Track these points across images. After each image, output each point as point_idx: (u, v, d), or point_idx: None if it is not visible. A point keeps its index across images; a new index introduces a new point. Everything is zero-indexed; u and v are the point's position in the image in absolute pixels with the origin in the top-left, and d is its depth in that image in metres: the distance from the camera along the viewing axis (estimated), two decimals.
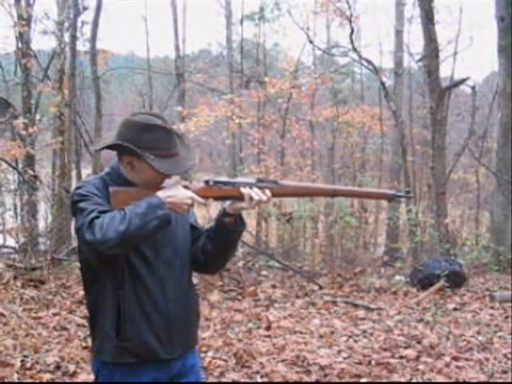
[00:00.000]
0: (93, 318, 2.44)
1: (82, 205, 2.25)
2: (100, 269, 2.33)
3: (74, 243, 9.47)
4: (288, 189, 2.47)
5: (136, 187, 2.37)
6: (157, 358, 2.40)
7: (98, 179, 2.40)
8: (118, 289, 2.34)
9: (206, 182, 2.40)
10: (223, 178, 2.45)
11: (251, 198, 2.37)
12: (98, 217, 2.19)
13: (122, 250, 2.22)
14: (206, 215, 9.23)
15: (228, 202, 2.46)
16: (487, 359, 5.55)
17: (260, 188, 2.39)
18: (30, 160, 11.28)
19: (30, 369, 4.93)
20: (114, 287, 2.34)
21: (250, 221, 13.09)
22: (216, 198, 2.42)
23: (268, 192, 2.39)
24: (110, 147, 2.41)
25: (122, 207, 2.23)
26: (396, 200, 2.57)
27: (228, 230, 2.47)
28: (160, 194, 2.26)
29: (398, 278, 9.87)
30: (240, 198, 2.39)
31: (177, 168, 2.36)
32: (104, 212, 2.22)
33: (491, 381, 5.03)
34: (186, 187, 2.34)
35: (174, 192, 2.29)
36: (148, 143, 2.31)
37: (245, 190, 2.37)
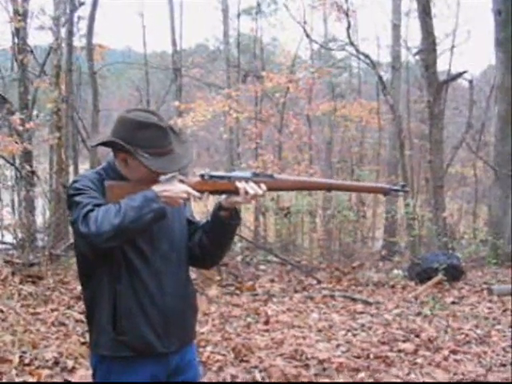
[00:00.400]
0: (90, 312, 2.45)
1: (77, 198, 2.26)
2: (96, 263, 2.34)
3: (72, 239, 9.46)
4: (283, 183, 2.48)
5: (131, 181, 2.37)
6: (154, 352, 2.40)
7: (95, 173, 2.41)
8: (114, 283, 2.34)
9: (202, 175, 2.40)
10: (219, 172, 2.45)
11: (246, 192, 2.37)
12: (92, 210, 2.19)
13: (117, 242, 2.22)
14: (203, 210, 9.21)
15: (224, 196, 2.46)
16: (485, 352, 5.56)
17: (255, 182, 2.39)
18: (27, 156, 11.24)
19: (28, 365, 4.93)
20: (110, 281, 2.34)
21: (248, 215, 13.11)
22: (212, 192, 2.42)
23: (263, 186, 2.39)
24: (104, 144, 2.41)
25: (117, 201, 2.23)
26: (393, 194, 2.57)
27: (223, 223, 2.47)
28: (155, 187, 2.26)
29: (396, 271, 9.89)
30: (235, 191, 2.39)
31: (171, 166, 2.35)
32: (99, 205, 2.22)
33: (489, 374, 5.04)
34: (181, 181, 2.34)
35: (170, 186, 2.29)
36: (142, 141, 2.31)
37: (240, 184, 2.37)
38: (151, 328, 2.38)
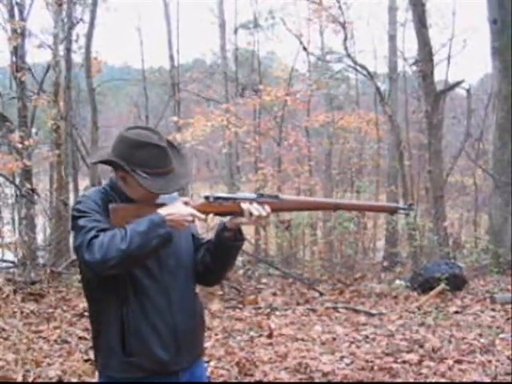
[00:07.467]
0: (96, 332, 2.43)
1: (81, 222, 2.23)
2: (102, 286, 2.31)
3: (73, 256, 9.45)
4: (289, 203, 2.48)
5: (135, 204, 2.36)
6: (166, 371, 2.38)
7: (98, 192, 2.39)
8: (121, 302, 2.32)
9: (207, 197, 2.39)
10: (223, 194, 2.45)
11: (251, 214, 2.36)
12: (97, 236, 2.17)
13: (123, 269, 2.21)
14: (203, 225, 9.20)
15: (228, 217, 2.46)
16: (490, 361, 5.53)
17: (260, 203, 2.39)
18: (27, 174, 11.26)
19: (32, 383, 4.91)
20: (117, 301, 2.32)
21: (249, 229, 13.07)
22: (216, 214, 2.41)
23: (268, 207, 2.39)
24: (103, 162, 2.41)
25: (121, 223, 2.22)
26: (400, 213, 2.57)
27: (227, 244, 2.47)
28: (161, 211, 2.24)
29: (398, 282, 9.85)
30: (240, 213, 2.39)
31: (170, 186, 2.34)
32: (103, 230, 2.20)
33: (495, 383, 5.01)
34: (186, 203, 2.33)
35: (175, 209, 2.27)
36: (140, 160, 2.29)
37: (245, 206, 2.37)
38: (162, 346, 2.35)
